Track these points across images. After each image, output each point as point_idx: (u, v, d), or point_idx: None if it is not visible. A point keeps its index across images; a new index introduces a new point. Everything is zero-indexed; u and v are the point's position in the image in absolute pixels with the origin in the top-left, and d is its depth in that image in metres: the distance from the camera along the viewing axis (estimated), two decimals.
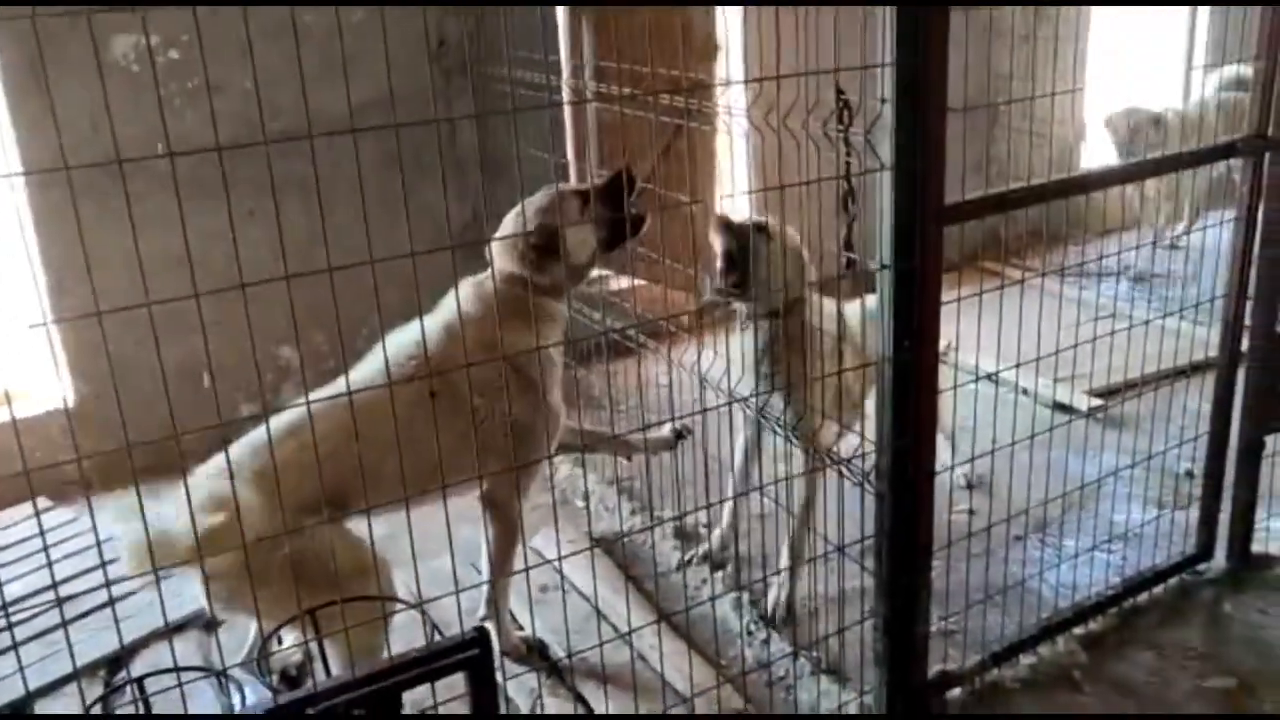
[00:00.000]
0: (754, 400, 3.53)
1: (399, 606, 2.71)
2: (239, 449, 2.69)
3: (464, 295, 2.98)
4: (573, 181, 5.58)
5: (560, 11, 5.44)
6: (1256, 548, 3.62)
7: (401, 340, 2.92)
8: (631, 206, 3.06)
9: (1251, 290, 3.34)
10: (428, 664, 2.17)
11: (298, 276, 1.97)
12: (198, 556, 2.24)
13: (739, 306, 3.49)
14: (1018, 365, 3.22)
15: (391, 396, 2.37)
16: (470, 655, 2.21)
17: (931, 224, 2.55)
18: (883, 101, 2.48)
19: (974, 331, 2.94)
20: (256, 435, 2.71)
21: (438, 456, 2.41)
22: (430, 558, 3.09)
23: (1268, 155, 3.18)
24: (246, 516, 2.30)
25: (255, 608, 2.17)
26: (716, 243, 3.36)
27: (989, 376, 4.79)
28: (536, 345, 2.73)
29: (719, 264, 3.40)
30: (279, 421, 2.71)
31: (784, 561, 3.58)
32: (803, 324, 3.27)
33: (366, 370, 2.79)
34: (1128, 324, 3.49)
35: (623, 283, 5.50)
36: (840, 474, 2.86)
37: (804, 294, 3.37)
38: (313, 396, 2.38)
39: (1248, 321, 3.37)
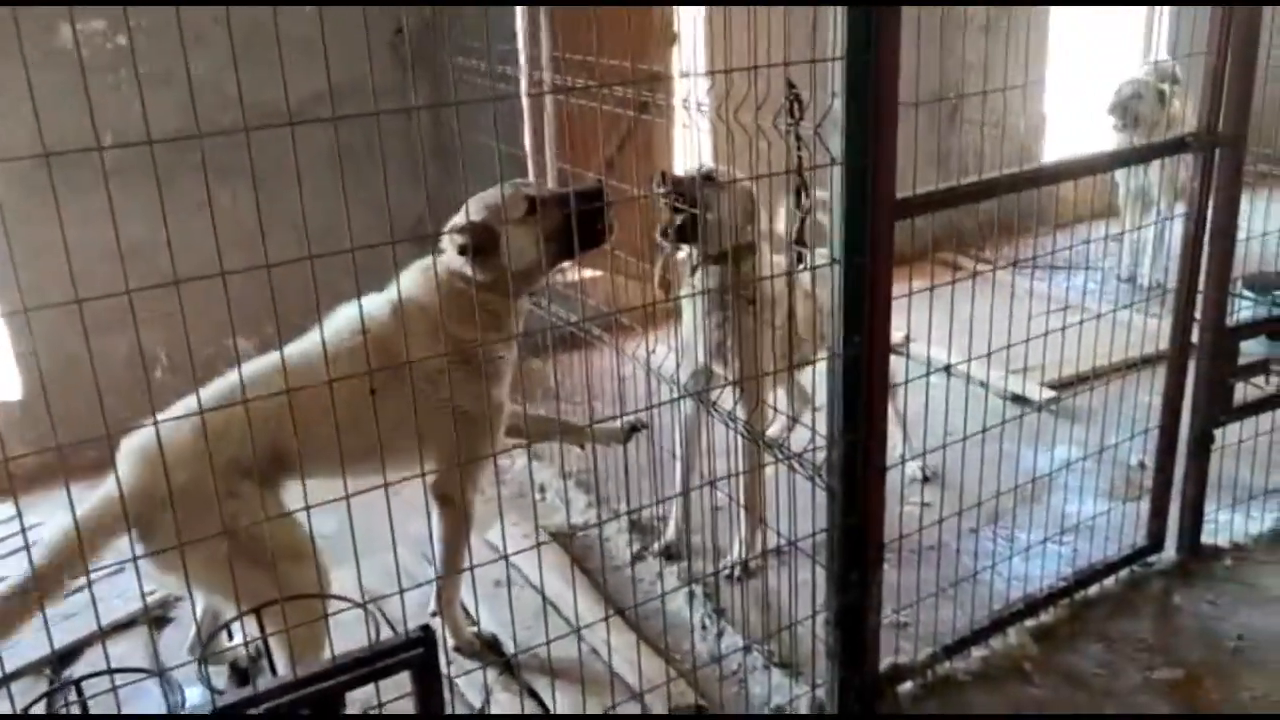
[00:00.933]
0: (698, 373, 3.56)
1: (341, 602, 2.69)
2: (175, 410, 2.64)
3: (411, 280, 2.92)
4: (531, 175, 5.55)
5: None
6: (1206, 539, 3.66)
7: (349, 314, 2.87)
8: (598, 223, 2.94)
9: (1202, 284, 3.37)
10: (372, 664, 2.15)
11: (233, 273, 1.94)
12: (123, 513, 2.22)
13: (687, 251, 3.53)
14: (969, 360, 3.21)
15: (328, 365, 2.28)
16: (415, 654, 2.20)
17: (883, 219, 2.55)
18: (833, 96, 2.47)
19: (932, 324, 2.95)
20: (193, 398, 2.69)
21: (378, 437, 2.36)
22: (383, 551, 3.08)
23: (1217, 150, 3.20)
24: (176, 470, 2.28)
25: (184, 569, 2.14)
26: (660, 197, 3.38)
27: (945, 369, 4.80)
28: (480, 340, 2.71)
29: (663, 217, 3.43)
30: (217, 385, 2.68)
31: (742, 527, 3.67)
32: (753, 270, 3.35)
33: (310, 341, 2.76)
34: (1083, 316, 3.52)
35: (582, 273, 5.50)
36: (791, 468, 2.86)
37: (754, 240, 3.42)
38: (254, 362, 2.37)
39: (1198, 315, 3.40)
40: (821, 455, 2.75)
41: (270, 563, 2.37)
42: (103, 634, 3.27)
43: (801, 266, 2.74)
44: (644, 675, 3.09)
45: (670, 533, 3.93)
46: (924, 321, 2.83)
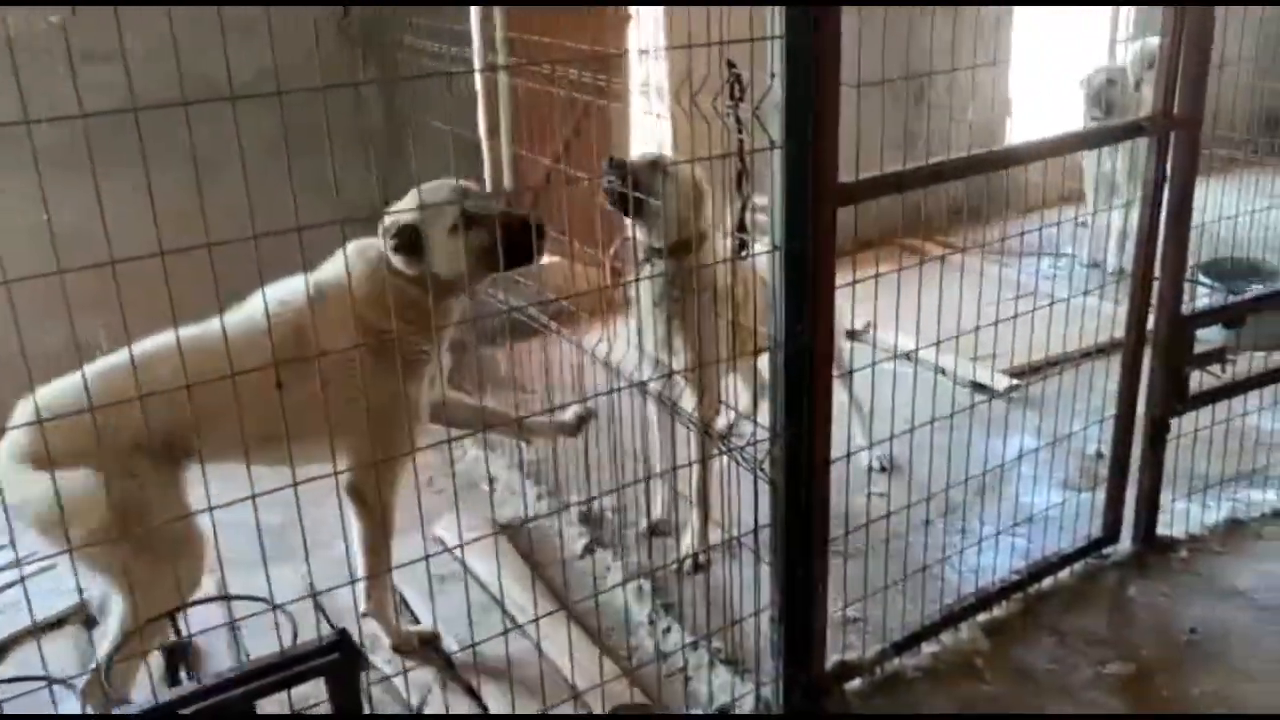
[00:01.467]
0: (650, 366, 3.50)
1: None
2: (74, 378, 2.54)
3: (336, 265, 2.80)
4: (486, 161, 5.43)
5: None
6: (1162, 530, 3.61)
7: (274, 294, 2.76)
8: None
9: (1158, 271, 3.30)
10: (285, 670, 2.06)
11: (172, 252, 1.89)
12: None
13: (637, 237, 3.47)
14: (930, 345, 3.14)
15: (227, 344, 2.19)
16: (330, 660, 2.11)
17: (825, 204, 2.46)
18: (772, 76, 2.38)
19: (894, 310, 2.87)
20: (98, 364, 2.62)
21: (286, 428, 2.26)
22: (332, 543, 2.99)
23: (1173, 134, 3.13)
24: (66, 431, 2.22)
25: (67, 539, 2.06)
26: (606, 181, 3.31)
27: (906, 355, 4.75)
28: (396, 331, 2.61)
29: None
30: (123, 355, 2.57)
31: (694, 518, 3.62)
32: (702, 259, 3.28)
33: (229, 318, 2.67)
34: (1044, 302, 3.45)
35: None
36: (736, 461, 2.78)
37: (705, 230, 3.38)
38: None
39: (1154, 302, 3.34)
40: (765, 448, 2.68)
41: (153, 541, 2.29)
42: (36, 630, 3.17)
43: (744, 254, 2.65)
44: (587, 673, 3.01)
45: (658, 509, 3.87)
46: (887, 308, 2.75)
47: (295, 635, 2.24)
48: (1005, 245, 6.40)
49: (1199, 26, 3.05)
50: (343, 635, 2.10)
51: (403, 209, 2.83)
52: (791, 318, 2.52)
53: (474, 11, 5.22)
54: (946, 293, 2.89)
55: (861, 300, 2.76)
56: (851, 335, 5.09)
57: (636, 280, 3.48)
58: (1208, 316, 3.43)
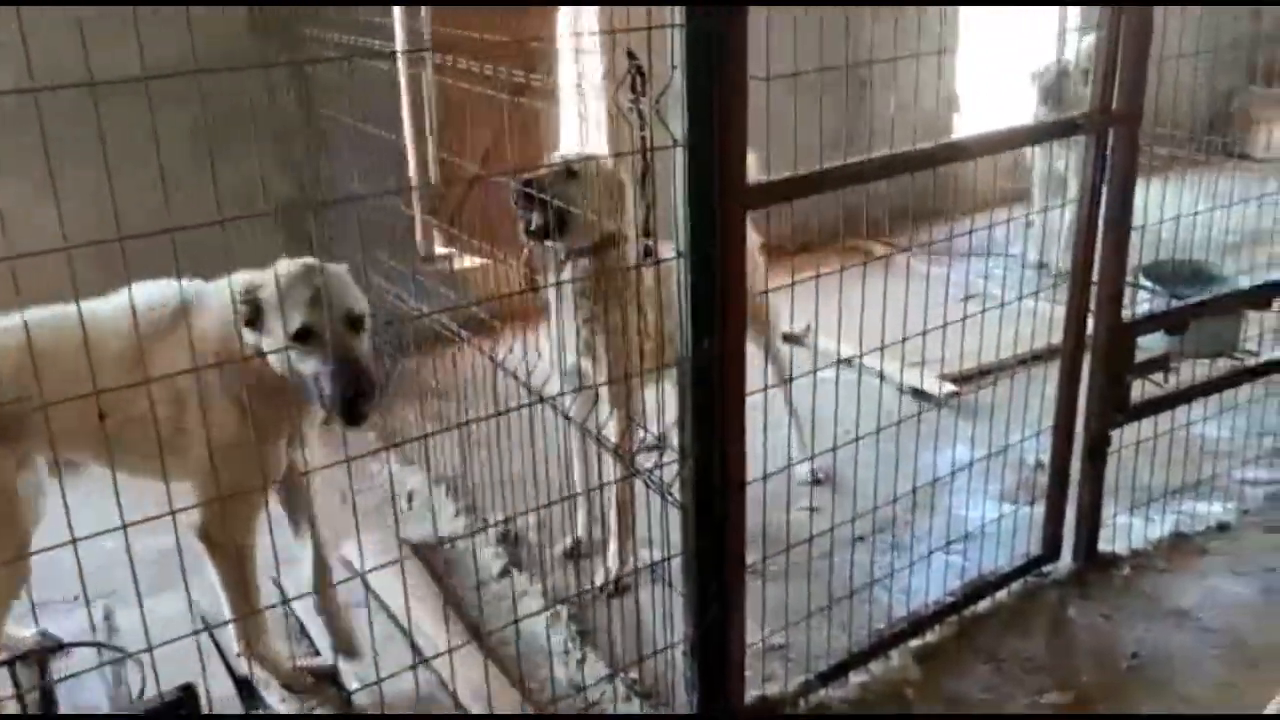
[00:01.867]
0: (569, 374, 3.32)
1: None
2: None
3: (221, 292, 2.57)
4: (411, 164, 5.18)
5: None
6: (1104, 546, 3.44)
7: (144, 296, 2.53)
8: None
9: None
10: None
11: (77, 247, 1.80)
12: None
13: (552, 247, 3.30)
14: (870, 352, 2.95)
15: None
16: (179, 717, 1.89)
17: (733, 207, 2.27)
18: (673, 68, 2.18)
19: (835, 313, 2.69)
20: None
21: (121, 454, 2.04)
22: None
23: (1111, 131, 2.97)
24: None
25: None
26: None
27: (847, 361, 4.58)
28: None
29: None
30: None
31: (611, 543, 3.47)
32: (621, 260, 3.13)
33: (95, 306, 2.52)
34: (987, 305, 3.30)
35: (459, 262, 5.18)
36: (646, 484, 2.58)
37: (622, 228, 3.20)
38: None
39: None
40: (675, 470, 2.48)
41: None
42: None
43: (649, 260, 2.45)
44: (495, 708, 2.80)
45: (580, 528, 3.68)
46: (827, 311, 2.57)
47: (144, 687, 2.02)
48: (950, 245, 6.32)
49: (1138, 19, 2.88)
50: (187, 691, 1.89)
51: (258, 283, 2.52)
52: (699, 330, 2.31)
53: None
54: (888, 295, 2.72)
55: (804, 300, 2.60)
56: (790, 339, 4.92)
57: (557, 284, 3.28)
58: (1149, 323, 3.27)
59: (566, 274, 3.27)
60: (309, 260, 2.50)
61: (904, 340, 2.90)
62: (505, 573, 3.56)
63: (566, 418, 3.01)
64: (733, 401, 2.39)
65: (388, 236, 4.23)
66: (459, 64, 3.51)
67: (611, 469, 3.35)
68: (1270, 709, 2.54)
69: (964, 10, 6.96)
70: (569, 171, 3.16)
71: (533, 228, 3.16)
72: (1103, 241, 3.08)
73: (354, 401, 2.38)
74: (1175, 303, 3.41)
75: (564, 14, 5.35)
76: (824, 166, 2.44)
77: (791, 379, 3.86)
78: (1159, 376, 3.33)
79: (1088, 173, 3.00)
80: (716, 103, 2.17)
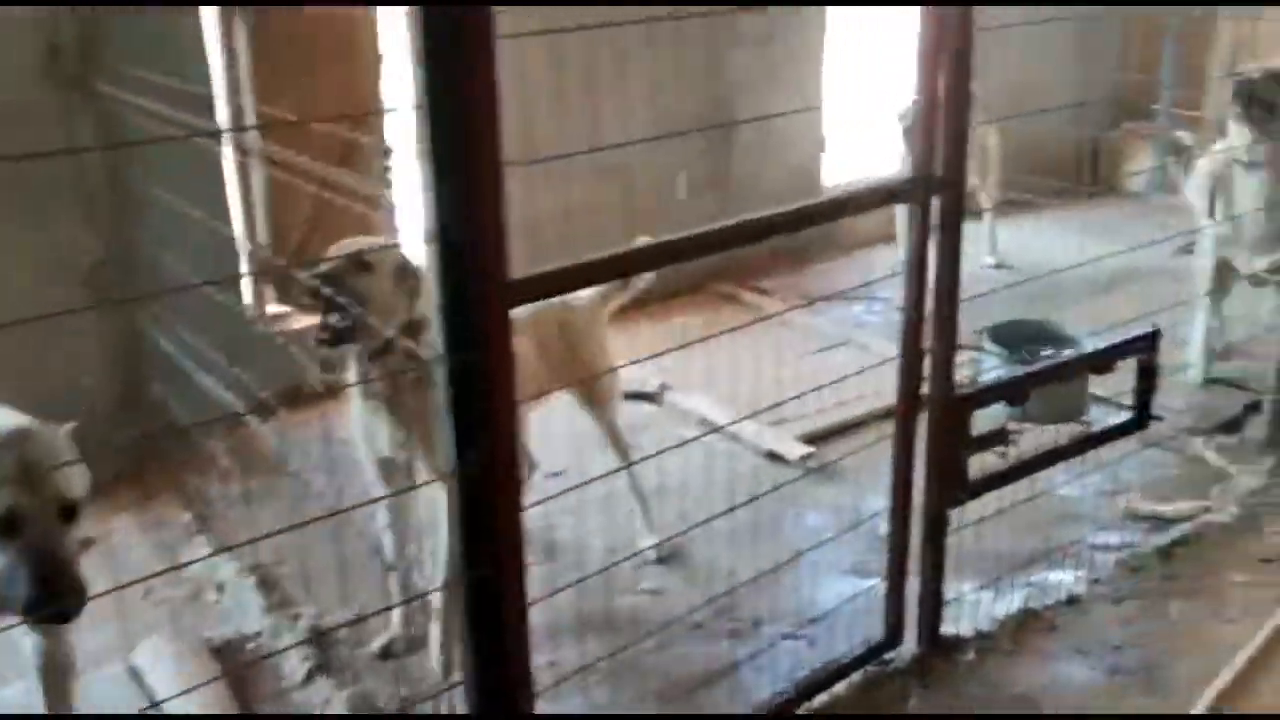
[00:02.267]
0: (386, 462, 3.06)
1: None
2: None
3: None
4: (243, 253, 4.82)
5: (210, 15, 4.68)
6: (948, 628, 3.24)
7: None
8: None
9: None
10: None
11: None
12: None
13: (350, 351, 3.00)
14: (728, 412, 2.74)
15: None
16: None
17: (493, 306, 2.02)
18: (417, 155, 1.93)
19: (692, 369, 2.48)
20: None
21: None
22: None
23: (934, 198, 2.80)
24: None
25: None
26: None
27: (700, 422, 4.39)
28: None
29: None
30: None
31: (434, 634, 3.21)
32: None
33: None
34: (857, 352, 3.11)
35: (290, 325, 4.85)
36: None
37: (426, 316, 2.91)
38: None
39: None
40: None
41: None
42: None
43: (410, 369, 2.19)
44: None
45: (396, 626, 3.38)
46: (684, 366, 2.35)
47: None
48: (818, 290, 6.17)
49: (958, 76, 2.72)
50: None
51: None
52: (462, 443, 2.06)
53: (217, 63, 4.65)
54: (750, 347, 2.52)
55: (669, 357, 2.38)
56: (643, 397, 4.70)
57: (357, 383, 3.00)
58: (986, 394, 3.10)
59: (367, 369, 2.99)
60: (21, 424, 2.15)
61: (763, 410, 2.67)
62: (310, 677, 3.26)
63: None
64: (506, 520, 2.13)
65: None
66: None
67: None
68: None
69: (830, 50, 6.85)
70: (361, 264, 2.87)
71: (327, 336, 2.88)
72: (933, 316, 2.90)
73: (49, 601, 2.02)
74: (1018, 369, 3.26)
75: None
76: (591, 258, 2.19)
77: (631, 463, 3.64)
78: (1001, 448, 3.17)
79: (912, 244, 2.82)
80: (466, 191, 1.92)
